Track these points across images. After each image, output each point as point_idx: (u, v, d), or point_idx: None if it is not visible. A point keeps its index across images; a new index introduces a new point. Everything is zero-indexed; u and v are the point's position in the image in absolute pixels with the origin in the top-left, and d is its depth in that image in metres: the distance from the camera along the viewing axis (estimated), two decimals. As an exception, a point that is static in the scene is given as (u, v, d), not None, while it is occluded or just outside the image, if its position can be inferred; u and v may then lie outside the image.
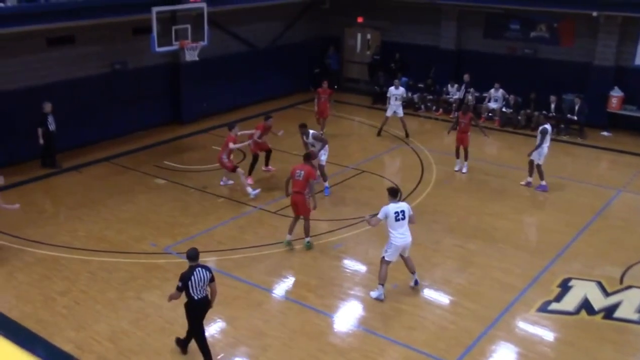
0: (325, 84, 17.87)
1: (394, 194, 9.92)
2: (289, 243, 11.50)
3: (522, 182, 14.55)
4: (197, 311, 8.07)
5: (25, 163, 15.24)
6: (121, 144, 17.05)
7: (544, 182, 14.35)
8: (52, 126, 14.90)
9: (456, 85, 20.25)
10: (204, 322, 8.27)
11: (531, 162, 14.34)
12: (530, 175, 14.48)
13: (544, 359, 8.67)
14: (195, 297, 7.91)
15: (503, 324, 9.39)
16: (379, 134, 18.16)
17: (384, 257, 9.88)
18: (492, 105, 19.59)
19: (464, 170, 15.44)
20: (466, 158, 15.44)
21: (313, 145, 13.91)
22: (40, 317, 9.38)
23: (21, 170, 14.93)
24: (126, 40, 17.18)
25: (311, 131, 14.12)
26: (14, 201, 13.40)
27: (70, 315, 9.43)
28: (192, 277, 7.84)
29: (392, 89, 18.03)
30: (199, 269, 7.93)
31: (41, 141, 14.82)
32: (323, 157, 14.04)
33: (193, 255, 7.99)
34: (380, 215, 9.72)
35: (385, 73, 21.76)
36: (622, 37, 18.25)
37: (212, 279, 8.02)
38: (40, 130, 14.73)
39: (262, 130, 14.51)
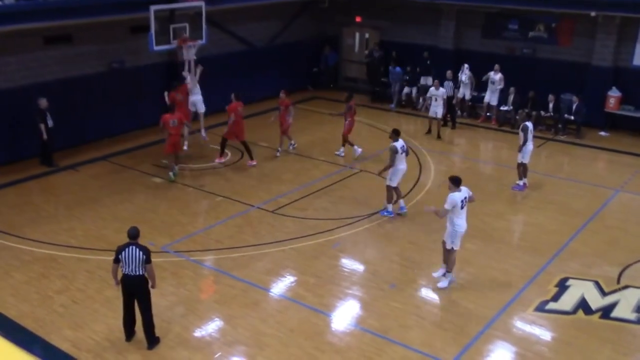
0: (283, 94, 16.17)
1: (458, 182, 9.89)
2: (175, 174, 14.45)
3: (516, 186, 14.47)
4: (125, 286, 8.47)
5: (23, 161, 15.21)
6: (119, 143, 17.02)
7: (521, 182, 14.35)
8: (50, 122, 14.85)
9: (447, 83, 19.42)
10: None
11: (519, 165, 14.34)
12: (522, 177, 14.45)
13: (541, 358, 8.68)
14: (125, 272, 8.36)
15: (500, 323, 9.40)
16: (429, 132, 18.18)
17: (453, 249, 10.10)
18: (487, 99, 19.34)
19: (340, 153, 16.31)
20: (343, 144, 16.23)
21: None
22: (38, 315, 9.37)
23: (19, 169, 14.90)
24: (124, 39, 17.15)
25: (393, 143, 12.33)
26: (11, 201, 13.44)
27: (67, 314, 9.42)
28: (123, 252, 8.31)
29: (432, 89, 17.93)
30: (133, 247, 8.33)
31: (45, 136, 14.78)
32: (394, 177, 12.47)
33: (132, 234, 8.44)
34: (447, 206, 9.76)
35: (384, 70, 21.72)
36: (620, 38, 18.28)
37: (147, 261, 8.35)
38: (42, 126, 14.67)
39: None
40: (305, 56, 22.98)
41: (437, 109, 17.77)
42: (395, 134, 12.50)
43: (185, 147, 16.04)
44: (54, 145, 15.25)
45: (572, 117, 18.17)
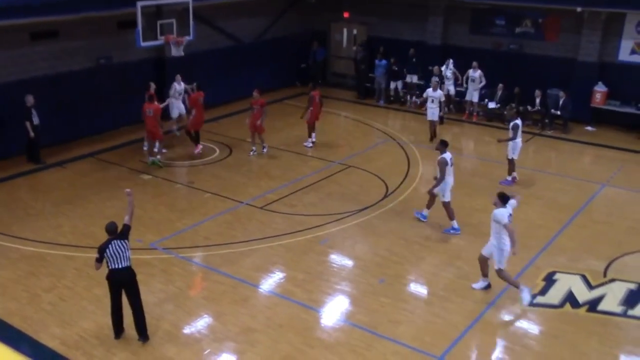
0: (256, 93, 15.65)
1: (506, 199, 9.64)
2: (154, 162, 14.96)
3: (504, 181, 14.53)
4: (114, 282, 8.45)
5: (10, 158, 15.08)
6: (106, 140, 16.92)
7: (509, 177, 14.44)
8: (35, 119, 14.75)
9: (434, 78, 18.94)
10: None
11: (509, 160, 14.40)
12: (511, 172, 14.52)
13: (529, 352, 8.75)
14: (113, 267, 8.34)
15: (489, 317, 9.46)
16: (432, 139, 17.23)
17: (501, 269, 9.67)
18: (469, 97, 19.37)
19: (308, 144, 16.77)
20: (309, 134, 16.78)
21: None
22: (25, 313, 9.31)
23: (6, 166, 14.78)
24: (111, 35, 17.03)
25: (442, 155, 11.82)
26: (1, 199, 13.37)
27: (55, 312, 9.37)
28: (108, 249, 8.30)
29: (429, 90, 17.30)
30: (115, 240, 8.36)
31: (32, 134, 14.68)
32: (446, 193, 11.98)
33: (111, 229, 8.45)
34: (507, 220, 9.44)
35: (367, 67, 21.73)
36: (606, 33, 18.40)
37: (128, 232, 8.57)
38: (28, 124, 14.58)
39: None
40: (294, 52, 22.94)
41: (435, 111, 17.21)
42: (444, 145, 11.89)
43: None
44: (40, 142, 15.13)
45: (559, 112, 18.28)
